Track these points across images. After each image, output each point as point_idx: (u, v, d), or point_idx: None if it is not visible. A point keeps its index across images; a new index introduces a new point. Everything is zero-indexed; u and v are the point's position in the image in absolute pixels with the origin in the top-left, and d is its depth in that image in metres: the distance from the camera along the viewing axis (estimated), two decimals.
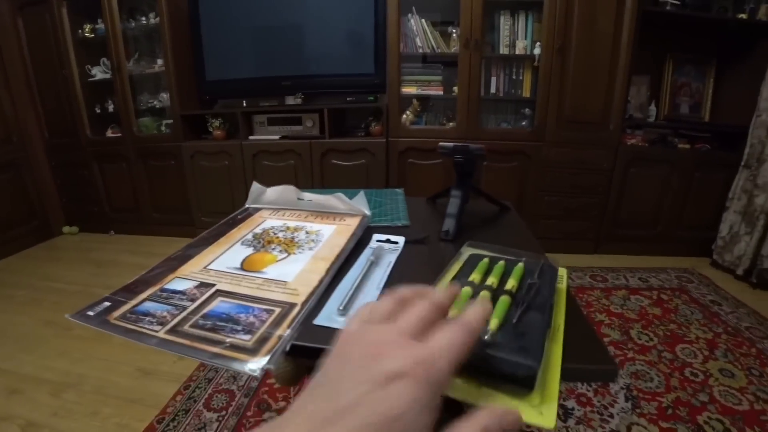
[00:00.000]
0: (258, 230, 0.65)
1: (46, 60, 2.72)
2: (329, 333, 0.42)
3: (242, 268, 0.53)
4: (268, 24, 2.46)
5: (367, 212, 0.69)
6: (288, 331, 0.40)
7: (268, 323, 0.41)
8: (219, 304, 0.45)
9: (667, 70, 2.45)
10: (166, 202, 2.82)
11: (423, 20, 2.31)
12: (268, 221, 0.69)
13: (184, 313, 0.43)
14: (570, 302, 0.45)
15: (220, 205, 2.64)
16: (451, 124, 2.44)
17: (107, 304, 0.46)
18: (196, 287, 0.49)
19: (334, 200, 0.70)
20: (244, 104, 2.62)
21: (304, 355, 0.40)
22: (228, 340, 0.39)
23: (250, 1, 2.43)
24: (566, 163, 2.35)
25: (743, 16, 2.19)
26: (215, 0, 2.48)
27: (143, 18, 2.60)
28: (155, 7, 2.47)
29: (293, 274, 0.52)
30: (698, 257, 2.44)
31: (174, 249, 0.58)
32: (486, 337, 0.32)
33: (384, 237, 0.65)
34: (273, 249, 0.58)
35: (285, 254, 0.57)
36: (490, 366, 0.29)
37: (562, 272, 0.48)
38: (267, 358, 0.37)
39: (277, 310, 0.44)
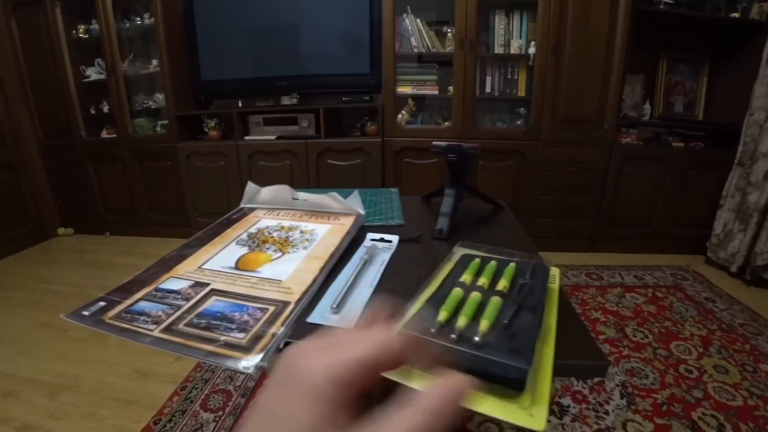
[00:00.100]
0: (253, 230, 0.65)
1: (40, 61, 2.71)
2: (323, 330, 0.42)
3: (237, 267, 0.54)
4: (264, 24, 2.45)
5: (362, 211, 0.69)
6: (282, 329, 0.40)
7: (262, 321, 0.42)
8: (213, 303, 0.45)
9: (661, 69, 2.47)
10: (162, 203, 2.81)
11: (418, 20, 2.31)
12: (263, 221, 0.69)
13: (178, 312, 0.44)
14: (562, 301, 0.45)
15: (216, 206, 2.64)
16: (446, 123, 2.44)
17: (102, 304, 0.46)
18: (191, 286, 0.49)
19: (329, 200, 0.70)
20: (240, 104, 2.62)
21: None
22: (222, 338, 0.39)
23: (245, 0, 2.43)
24: (561, 161, 2.36)
25: (736, 15, 2.20)
26: (210, 0, 2.48)
27: (138, 18, 2.59)
28: (150, 7, 2.46)
29: (287, 273, 0.52)
30: (693, 255, 2.45)
31: (170, 250, 0.58)
32: (476, 338, 0.32)
33: (378, 236, 0.65)
34: (267, 248, 0.59)
35: (279, 253, 0.57)
36: (480, 367, 0.29)
37: (555, 272, 0.48)
38: (261, 355, 0.37)
39: (271, 308, 0.44)
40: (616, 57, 2.18)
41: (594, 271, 2.26)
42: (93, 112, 2.80)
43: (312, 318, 0.44)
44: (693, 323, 1.75)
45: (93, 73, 2.72)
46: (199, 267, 0.54)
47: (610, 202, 2.41)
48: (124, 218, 2.92)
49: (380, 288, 0.51)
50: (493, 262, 0.46)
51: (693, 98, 2.51)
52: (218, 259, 0.56)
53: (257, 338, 0.39)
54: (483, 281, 0.42)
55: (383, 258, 0.59)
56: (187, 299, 0.46)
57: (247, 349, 0.38)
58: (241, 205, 0.76)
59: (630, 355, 1.53)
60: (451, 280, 0.43)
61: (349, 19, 2.37)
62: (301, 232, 0.64)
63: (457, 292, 0.39)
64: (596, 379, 1.40)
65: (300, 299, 0.46)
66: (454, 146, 0.71)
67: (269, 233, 0.64)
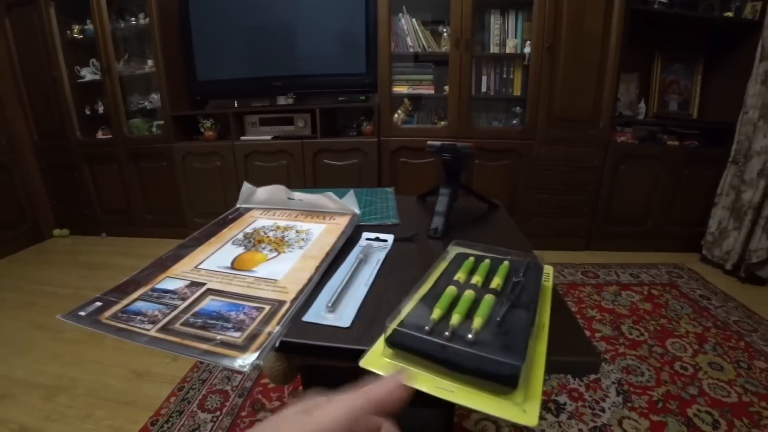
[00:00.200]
0: (249, 230, 0.66)
1: (35, 61, 2.69)
2: (318, 329, 0.43)
3: (233, 267, 0.54)
4: (259, 24, 2.45)
5: (357, 211, 0.69)
6: (277, 328, 0.41)
7: (257, 320, 0.42)
8: (209, 303, 0.46)
9: (655, 68, 2.48)
10: (158, 204, 2.80)
11: (413, 20, 2.32)
12: (259, 221, 0.69)
13: (175, 312, 0.44)
14: (556, 298, 0.45)
15: (212, 206, 2.63)
16: (442, 123, 2.45)
17: (98, 304, 0.46)
18: (187, 286, 0.49)
19: (324, 199, 0.70)
20: (236, 105, 2.62)
21: (294, 352, 0.41)
22: (218, 337, 0.40)
23: (240, 0, 2.43)
24: (557, 160, 2.37)
25: (729, 14, 2.22)
26: (205, 0, 2.47)
27: (132, 18, 2.58)
28: (144, 7, 2.46)
29: (283, 272, 0.52)
30: (688, 253, 2.47)
31: (166, 251, 0.58)
32: (470, 336, 0.32)
33: (373, 235, 0.65)
34: (263, 248, 0.59)
35: (275, 253, 0.57)
36: (473, 364, 0.29)
37: (548, 270, 0.49)
38: (256, 354, 0.37)
39: (267, 307, 0.44)
40: (611, 56, 2.19)
41: (590, 269, 2.27)
42: (88, 112, 2.78)
43: (307, 317, 0.44)
44: (688, 321, 1.76)
45: (88, 74, 2.71)
46: (195, 267, 0.54)
47: (606, 200, 2.42)
48: (120, 219, 2.91)
49: (375, 287, 0.51)
50: (486, 261, 0.47)
51: (687, 97, 2.53)
52: (214, 259, 0.56)
53: (253, 337, 0.39)
54: (477, 279, 0.42)
55: (378, 257, 0.59)
56: (184, 299, 0.46)
57: (243, 348, 0.38)
58: (237, 206, 0.76)
59: (626, 353, 1.54)
60: (446, 279, 0.43)
61: (345, 19, 2.38)
62: (297, 231, 0.64)
63: (451, 290, 0.40)
64: (592, 377, 1.40)
65: (296, 298, 0.46)
66: (449, 146, 0.71)
67: (265, 233, 0.64)
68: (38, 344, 1.70)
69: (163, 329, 0.41)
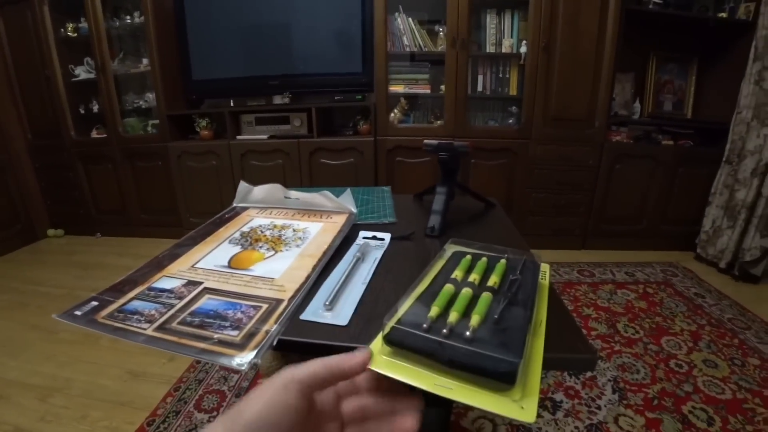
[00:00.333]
0: (245, 229, 0.65)
1: (28, 60, 2.67)
2: (315, 328, 0.43)
3: (230, 266, 0.54)
4: (255, 23, 2.44)
5: (354, 210, 0.69)
6: (275, 327, 0.41)
7: (255, 319, 0.42)
8: (207, 302, 0.45)
9: (650, 68, 2.49)
10: (154, 204, 2.79)
11: (410, 19, 2.32)
12: (256, 220, 0.69)
13: (171, 311, 0.44)
14: (552, 296, 0.46)
15: (208, 206, 2.62)
16: (438, 122, 2.45)
17: (94, 303, 0.46)
18: (184, 285, 0.49)
19: (321, 198, 0.70)
20: (232, 104, 2.61)
21: (291, 350, 0.41)
22: (216, 336, 0.40)
23: None
24: (553, 160, 2.37)
25: (723, 15, 2.24)
26: None
27: (128, 17, 2.57)
28: (140, 5, 2.44)
29: (280, 271, 0.52)
30: (682, 251, 2.49)
31: (162, 250, 0.58)
32: (467, 333, 0.32)
33: (370, 234, 0.66)
34: (260, 247, 0.59)
35: (272, 252, 0.57)
36: (471, 362, 0.30)
37: (545, 268, 0.49)
38: (254, 352, 0.37)
39: (265, 306, 0.44)
40: (606, 56, 2.20)
41: (586, 268, 2.28)
42: (82, 111, 2.77)
43: (305, 315, 0.44)
44: (683, 318, 1.77)
45: (82, 72, 2.69)
46: (192, 266, 0.54)
47: (601, 199, 2.43)
48: (115, 219, 2.90)
49: (372, 285, 0.51)
50: (484, 259, 0.47)
51: (682, 97, 2.54)
52: (211, 257, 0.56)
53: (250, 336, 0.39)
54: (474, 277, 0.42)
55: (375, 255, 0.59)
56: (180, 298, 0.46)
57: (240, 346, 0.38)
58: (234, 204, 0.76)
59: (621, 351, 1.55)
60: (443, 277, 0.44)
61: (341, 18, 2.37)
62: (294, 230, 0.64)
63: (448, 288, 0.40)
64: (588, 375, 1.41)
65: (293, 297, 0.46)
66: (446, 144, 0.71)
67: (262, 232, 0.64)
68: (32, 345, 1.69)
69: (160, 328, 0.41)
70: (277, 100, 2.57)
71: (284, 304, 0.45)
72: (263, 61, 2.49)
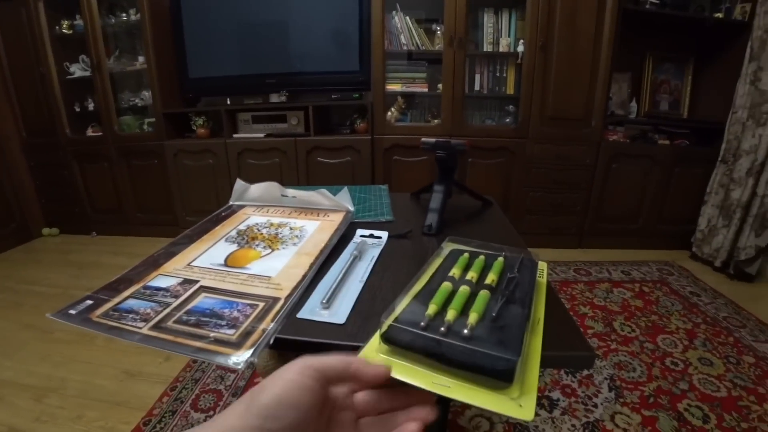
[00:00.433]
0: (242, 227, 0.65)
1: (23, 57, 2.65)
2: (312, 326, 0.42)
3: (226, 264, 0.54)
4: (252, 21, 2.43)
5: (351, 208, 0.69)
6: (272, 325, 0.40)
7: (251, 318, 0.42)
8: (203, 300, 0.45)
9: (647, 68, 2.50)
10: (150, 202, 2.77)
11: (407, 17, 2.31)
12: (252, 218, 0.69)
13: (167, 310, 0.43)
14: (550, 294, 0.46)
15: (204, 204, 2.61)
16: (435, 121, 2.45)
17: (89, 302, 0.45)
18: (180, 284, 0.49)
19: (318, 196, 0.70)
20: (228, 102, 2.60)
21: (288, 349, 0.41)
22: (212, 334, 0.39)
23: None
24: (550, 159, 2.38)
25: (719, 15, 2.24)
26: None
27: (123, 14, 2.55)
28: (135, 2, 2.42)
29: (277, 269, 0.52)
30: (678, 250, 2.50)
31: (157, 249, 0.57)
32: (465, 332, 0.32)
33: (368, 232, 0.65)
34: (257, 245, 0.59)
35: (269, 250, 0.57)
36: (469, 359, 0.29)
37: (543, 266, 0.49)
38: (251, 351, 0.37)
39: (261, 304, 0.44)
40: (603, 55, 2.21)
41: (582, 266, 2.29)
42: (78, 109, 2.75)
43: (302, 314, 0.44)
44: (678, 317, 1.78)
45: (77, 70, 2.67)
46: (188, 264, 0.54)
47: (598, 198, 2.44)
48: (110, 218, 2.88)
49: (370, 283, 0.51)
50: (481, 257, 0.47)
51: (678, 97, 2.55)
52: (207, 256, 0.56)
53: (247, 334, 0.39)
54: (472, 275, 0.42)
55: (373, 254, 0.59)
56: (176, 296, 0.46)
57: (237, 345, 0.38)
58: (230, 203, 0.75)
59: (618, 349, 1.56)
60: (441, 275, 0.43)
61: (339, 17, 2.37)
62: (291, 228, 0.64)
63: (446, 286, 0.40)
64: (585, 373, 1.42)
65: (290, 295, 0.46)
66: (443, 143, 0.71)
67: (258, 230, 0.64)
68: (27, 345, 1.68)
69: (156, 327, 0.41)
70: (274, 98, 2.57)
71: (281, 302, 0.45)
72: (260, 59, 2.48)
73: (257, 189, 0.74)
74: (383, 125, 2.42)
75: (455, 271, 0.44)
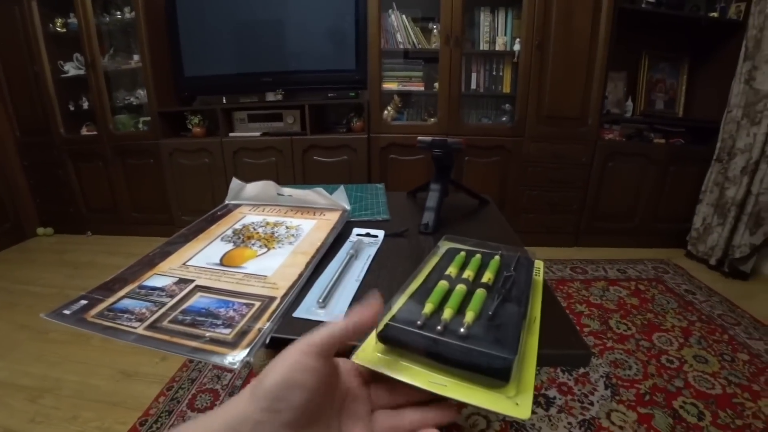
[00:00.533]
0: (238, 226, 0.65)
1: (16, 56, 2.62)
2: (309, 325, 0.42)
3: (222, 263, 0.53)
4: (248, 19, 2.42)
5: (347, 207, 0.69)
6: (268, 324, 0.40)
7: (247, 317, 0.42)
8: (198, 300, 0.45)
9: (642, 67, 2.51)
10: (145, 202, 2.76)
11: (404, 16, 2.31)
12: (248, 217, 0.68)
13: (163, 309, 0.43)
14: (546, 293, 0.46)
15: (200, 204, 2.60)
16: (432, 119, 2.45)
17: (84, 302, 0.45)
18: (175, 283, 0.48)
19: (314, 195, 0.70)
20: (224, 101, 2.58)
21: (284, 348, 0.41)
22: (208, 334, 0.39)
23: None
24: (546, 157, 2.38)
25: (714, 14, 2.26)
26: None
27: (118, 12, 2.53)
28: (130, 0, 2.41)
29: (273, 268, 0.52)
30: (673, 248, 2.51)
31: (153, 248, 0.57)
32: (462, 330, 0.32)
33: (364, 231, 0.65)
34: (253, 244, 0.58)
35: (265, 249, 0.57)
36: (466, 358, 0.29)
37: (539, 264, 0.49)
38: (247, 351, 0.37)
39: (257, 304, 0.44)
40: (599, 54, 2.21)
41: (578, 265, 2.29)
42: (72, 108, 2.73)
43: (298, 313, 0.44)
44: (674, 315, 1.79)
45: (71, 69, 2.65)
46: (184, 264, 0.53)
47: (594, 197, 2.45)
48: (105, 217, 2.86)
49: (366, 282, 0.51)
50: (478, 255, 0.47)
51: (673, 96, 2.56)
52: (203, 255, 0.56)
53: (243, 334, 0.39)
54: (468, 274, 0.42)
55: (369, 253, 0.59)
56: (172, 296, 0.46)
57: (233, 344, 0.38)
58: (226, 202, 0.75)
59: (614, 347, 1.56)
60: (437, 273, 0.43)
61: (335, 15, 2.36)
62: (287, 227, 0.64)
63: (442, 284, 0.39)
64: (581, 371, 1.42)
65: (286, 294, 0.46)
66: (439, 141, 0.71)
67: (254, 229, 0.63)
68: (22, 345, 1.66)
69: (151, 327, 0.40)
70: (270, 97, 2.56)
71: (277, 301, 0.44)
72: (256, 57, 2.47)
73: (253, 188, 0.74)
74: (379, 124, 2.42)
75: (452, 270, 0.43)
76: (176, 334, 0.39)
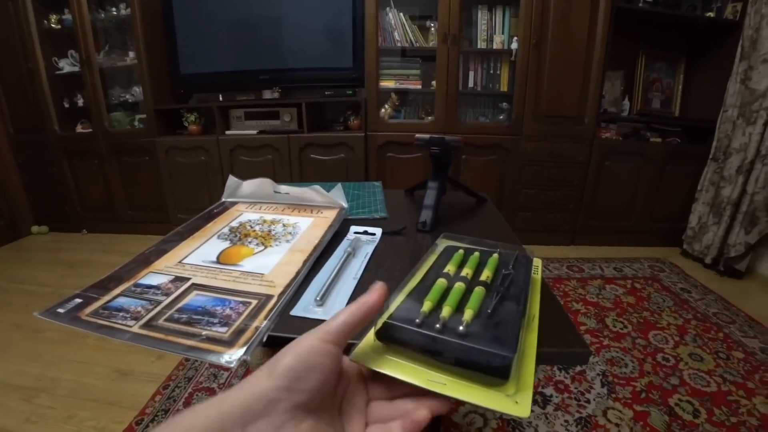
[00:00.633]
0: (234, 224, 0.64)
1: (10, 52, 2.60)
2: (306, 323, 0.42)
3: (218, 261, 0.53)
4: (245, 16, 2.41)
5: (345, 204, 0.69)
6: (265, 323, 0.40)
7: (244, 315, 0.41)
8: (195, 298, 0.44)
9: (639, 66, 2.52)
10: (141, 200, 2.74)
11: (401, 14, 2.31)
12: (245, 214, 0.68)
13: (158, 308, 0.43)
14: (544, 291, 0.45)
15: (196, 202, 2.59)
16: (429, 118, 2.45)
17: (78, 300, 0.45)
18: (171, 281, 0.48)
19: (311, 193, 0.69)
20: (221, 98, 2.57)
21: (281, 347, 0.40)
22: (204, 332, 0.39)
23: None
24: (543, 156, 2.39)
25: (711, 14, 2.26)
26: None
27: (113, 8, 2.51)
28: None
29: (270, 266, 0.51)
30: (669, 247, 2.52)
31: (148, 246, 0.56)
32: (461, 328, 0.32)
33: (361, 229, 0.65)
34: (250, 242, 0.58)
35: (262, 247, 0.56)
36: (465, 356, 0.29)
37: (537, 262, 0.48)
38: (243, 349, 0.36)
39: (254, 302, 0.44)
40: (597, 53, 2.22)
41: (575, 263, 2.30)
42: (67, 105, 2.71)
43: (295, 311, 0.43)
44: (669, 313, 1.80)
45: (66, 65, 2.63)
46: (180, 262, 0.53)
47: (591, 196, 2.45)
48: (101, 215, 2.85)
49: (364, 280, 0.51)
50: (476, 254, 0.47)
51: (670, 95, 2.57)
52: (199, 253, 0.55)
53: (240, 332, 0.39)
54: (467, 272, 0.42)
55: (367, 251, 0.58)
56: (168, 294, 0.45)
57: (229, 343, 0.37)
58: (223, 199, 0.74)
59: (610, 345, 1.57)
60: (435, 272, 0.43)
61: (332, 13, 2.35)
62: (284, 225, 0.63)
63: (441, 282, 0.39)
64: (578, 369, 1.43)
65: (283, 292, 0.46)
66: (437, 139, 0.71)
67: (251, 227, 0.63)
68: (16, 344, 1.65)
69: (147, 325, 0.40)
70: (267, 95, 2.55)
71: (274, 299, 0.44)
72: (253, 55, 2.46)
73: (250, 186, 0.73)
74: (377, 122, 2.41)
75: (450, 268, 0.43)
76: (172, 332, 0.39)
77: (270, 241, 0.58)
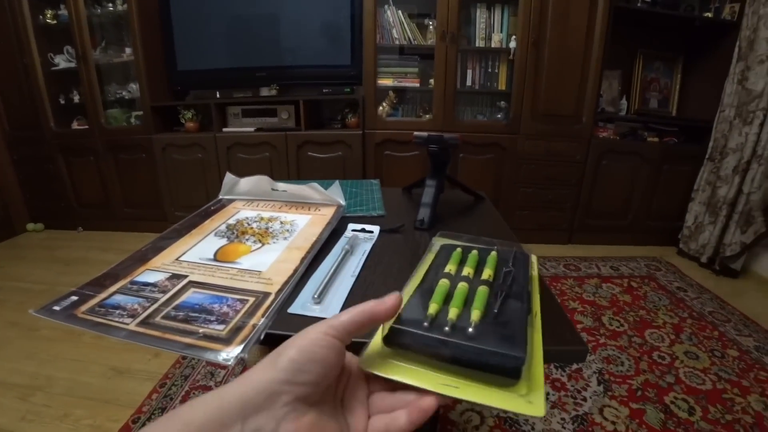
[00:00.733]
0: (232, 221, 0.64)
1: (5, 48, 2.58)
2: (304, 321, 0.42)
3: (215, 258, 0.53)
4: (242, 13, 2.40)
5: (342, 202, 0.68)
6: (262, 320, 0.40)
7: (242, 313, 0.41)
8: (192, 295, 0.44)
9: (637, 66, 2.52)
10: (137, 197, 2.73)
11: (399, 12, 2.30)
12: (242, 212, 0.68)
13: (155, 305, 0.42)
14: (542, 287, 0.45)
15: (193, 199, 2.58)
16: (427, 116, 2.45)
17: (74, 298, 0.44)
18: (168, 279, 0.48)
19: (309, 190, 0.69)
20: (218, 95, 2.56)
21: (279, 344, 0.40)
22: (201, 330, 0.38)
23: None
24: (541, 155, 2.39)
25: (709, 14, 2.27)
26: None
27: (110, 4, 2.49)
28: None
29: (267, 264, 0.51)
30: (666, 246, 2.54)
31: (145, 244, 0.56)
32: (470, 330, 0.31)
33: (359, 226, 0.65)
34: (247, 239, 0.58)
35: (259, 244, 0.56)
36: (476, 358, 0.29)
37: (533, 259, 0.48)
38: (241, 347, 0.36)
39: (251, 299, 0.43)
40: (595, 53, 2.22)
41: (572, 262, 2.31)
42: (62, 102, 2.69)
43: (293, 308, 0.43)
44: (665, 312, 1.81)
45: (62, 61, 2.61)
46: (177, 259, 0.53)
47: (588, 194, 2.46)
48: (97, 213, 2.83)
49: (361, 278, 0.50)
50: (474, 252, 0.46)
51: (667, 95, 2.58)
52: (196, 250, 0.55)
53: (237, 330, 0.38)
54: (468, 271, 0.42)
55: (364, 248, 0.58)
56: (164, 292, 0.45)
57: (226, 340, 0.37)
58: (220, 197, 0.74)
59: (606, 343, 1.58)
60: (435, 272, 0.43)
61: (330, 10, 2.34)
62: (281, 222, 0.63)
63: (444, 283, 0.39)
64: (574, 367, 1.43)
65: (281, 290, 0.45)
66: (436, 137, 0.71)
67: (248, 224, 0.63)
68: (12, 342, 1.64)
69: (143, 323, 0.40)
70: (265, 92, 2.54)
71: (271, 297, 0.44)
72: (250, 52, 2.45)
73: (247, 183, 0.73)
74: (374, 120, 2.41)
75: (450, 267, 0.43)
76: (169, 330, 0.39)
77: (267, 238, 0.58)
